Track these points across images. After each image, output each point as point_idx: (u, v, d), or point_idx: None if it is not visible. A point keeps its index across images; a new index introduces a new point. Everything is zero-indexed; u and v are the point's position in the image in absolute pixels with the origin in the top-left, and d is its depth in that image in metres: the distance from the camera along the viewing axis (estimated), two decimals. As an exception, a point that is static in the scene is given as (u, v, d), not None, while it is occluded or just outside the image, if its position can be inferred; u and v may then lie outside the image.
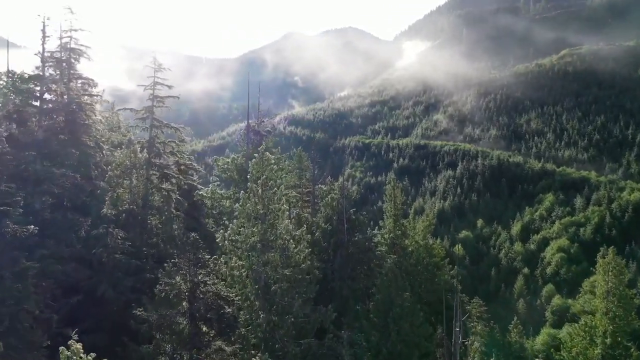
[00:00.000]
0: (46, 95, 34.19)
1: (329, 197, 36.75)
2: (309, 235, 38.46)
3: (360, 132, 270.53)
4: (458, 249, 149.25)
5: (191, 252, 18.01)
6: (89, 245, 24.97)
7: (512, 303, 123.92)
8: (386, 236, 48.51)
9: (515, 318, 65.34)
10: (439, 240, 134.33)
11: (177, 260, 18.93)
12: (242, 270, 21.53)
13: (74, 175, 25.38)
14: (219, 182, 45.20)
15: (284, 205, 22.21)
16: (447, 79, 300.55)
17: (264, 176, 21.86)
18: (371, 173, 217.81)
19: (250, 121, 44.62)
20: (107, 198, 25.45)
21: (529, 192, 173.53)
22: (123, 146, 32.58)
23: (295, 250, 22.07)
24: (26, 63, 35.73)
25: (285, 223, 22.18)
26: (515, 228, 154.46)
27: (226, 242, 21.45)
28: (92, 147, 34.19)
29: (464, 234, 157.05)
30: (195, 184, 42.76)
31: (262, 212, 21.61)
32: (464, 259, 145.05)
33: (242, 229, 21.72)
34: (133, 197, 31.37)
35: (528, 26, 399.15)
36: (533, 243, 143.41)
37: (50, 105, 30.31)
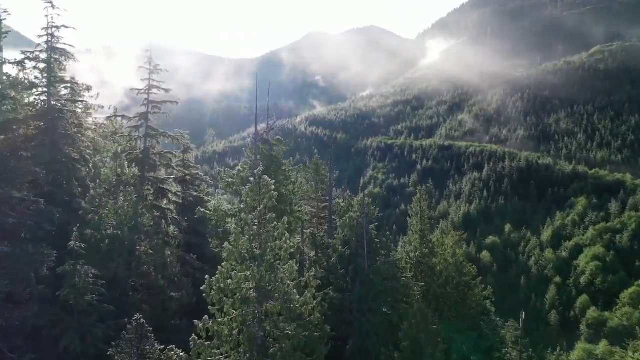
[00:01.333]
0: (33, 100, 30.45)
1: (347, 216, 31.97)
2: (325, 261, 33.91)
3: (382, 132, 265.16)
4: (485, 255, 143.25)
5: (134, 340, 13.36)
6: (57, 285, 20.71)
7: (543, 314, 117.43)
8: (412, 255, 43.71)
9: (558, 349, 59.42)
10: (465, 247, 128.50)
11: (114, 352, 14.39)
12: (234, 326, 16.95)
13: (37, 200, 21.11)
14: (225, 194, 40.78)
15: (288, 242, 17.54)
16: (472, 77, 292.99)
17: (262, 206, 17.23)
18: (394, 175, 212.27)
19: (260, 127, 40.04)
20: (75, 229, 21.10)
21: (560, 195, 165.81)
22: (108, 159, 28.26)
23: (301, 300, 17.40)
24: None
25: (289, 264, 17.52)
26: (546, 234, 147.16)
27: (212, 290, 16.87)
28: (77, 159, 30.09)
29: (491, 239, 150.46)
30: (201, 195, 38.45)
31: (258, 252, 16.97)
32: (492, 266, 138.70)
33: (233, 272, 17.14)
34: (120, 219, 27.02)
35: (555, 23, 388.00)
36: (565, 250, 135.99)
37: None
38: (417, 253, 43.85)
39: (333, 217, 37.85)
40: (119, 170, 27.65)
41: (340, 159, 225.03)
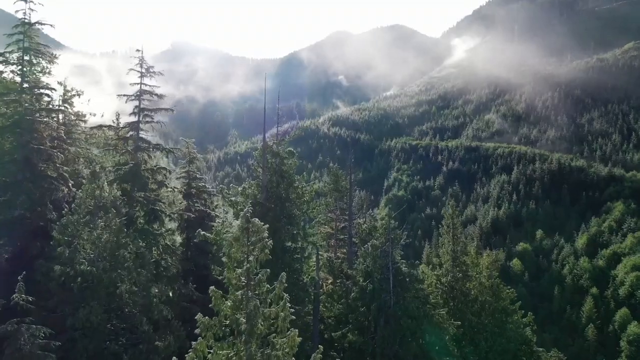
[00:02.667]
0: None
1: (369, 243, 27.14)
2: (343, 295, 29.17)
3: (406, 133, 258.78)
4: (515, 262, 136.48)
5: None
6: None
7: (579, 328, 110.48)
8: (443, 279, 38.56)
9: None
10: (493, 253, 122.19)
11: None
12: None
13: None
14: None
15: (287, 307, 12.82)
16: (499, 75, 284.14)
17: (252, 259, 12.55)
18: (418, 177, 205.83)
19: (272, 133, 35.33)
20: (20, 278, 16.71)
21: (595, 199, 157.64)
22: (84, 181, 23.97)
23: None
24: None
25: (290, 336, 12.79)
26: (580, 241, 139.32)
27: (182, 379, 12.26)
28: (54, 177, 25.92)
29: (521, 246, 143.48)
30: (208, 210, 34.06)
31: (245, 325, 12.27)
32: (523, 275, 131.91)
33: (211, 351, 12.52)
34: (98, 250, 22.67)
35: (587, 19, 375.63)
36: (602, 259, 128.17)
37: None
38: (449, 277, 38.75)
39: (353, 239, 33.02)
40: (97, 192, 23.32)
41: (364, 160, 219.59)
